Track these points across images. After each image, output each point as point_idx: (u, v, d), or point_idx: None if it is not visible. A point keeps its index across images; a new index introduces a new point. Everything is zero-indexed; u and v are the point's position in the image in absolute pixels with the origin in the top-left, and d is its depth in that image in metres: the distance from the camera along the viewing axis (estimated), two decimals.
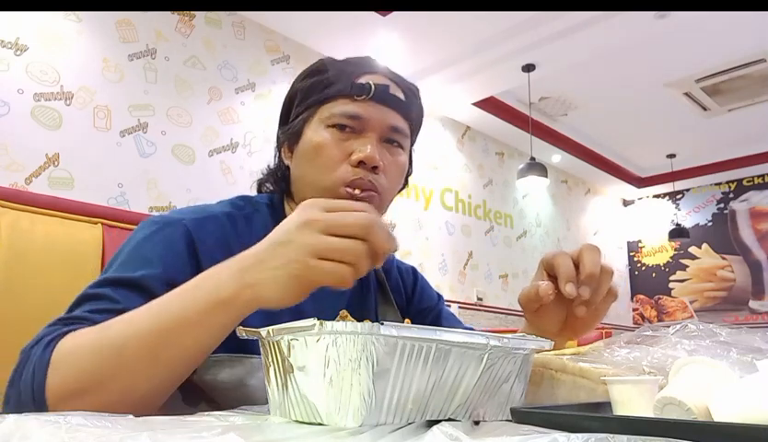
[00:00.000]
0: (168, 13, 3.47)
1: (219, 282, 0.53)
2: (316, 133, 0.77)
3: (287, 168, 0.83)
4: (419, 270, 1.03)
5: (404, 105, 0.79)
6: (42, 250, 0.88)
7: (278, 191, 0.85)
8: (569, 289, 0.67)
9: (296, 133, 0.80)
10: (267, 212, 0.81)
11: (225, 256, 0.64)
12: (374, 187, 0.75)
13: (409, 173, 0.86)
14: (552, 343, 0.55)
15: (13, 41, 2.83)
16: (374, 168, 0.75)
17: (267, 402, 0.52)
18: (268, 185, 0.87)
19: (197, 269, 0.65)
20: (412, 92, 0.82)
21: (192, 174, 3.43)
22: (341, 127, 0.76)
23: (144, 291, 0.62)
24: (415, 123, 0.84)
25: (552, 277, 0.71)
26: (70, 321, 0.59)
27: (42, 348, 0.55)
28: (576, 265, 0.69)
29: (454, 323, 0.96)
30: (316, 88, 0.79)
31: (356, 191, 0.74)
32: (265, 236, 0.67)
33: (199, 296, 0.54)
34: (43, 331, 0.58)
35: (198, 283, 0.55)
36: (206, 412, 0.53)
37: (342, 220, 0.50)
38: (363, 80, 0.77)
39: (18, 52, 2.84)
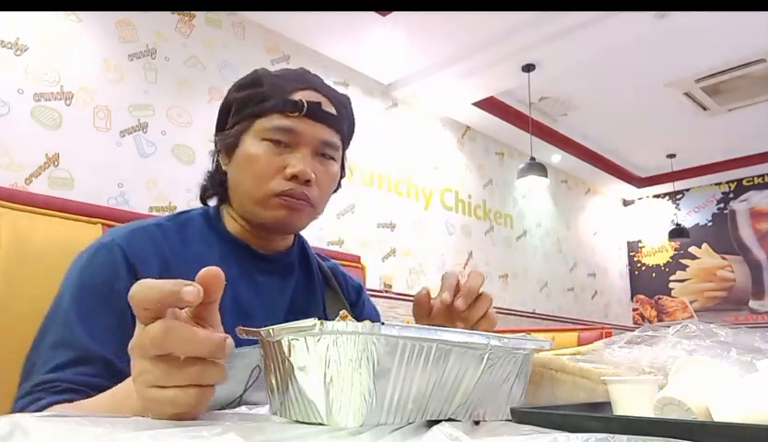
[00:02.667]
0: (168, 13, 3.47)
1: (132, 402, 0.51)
2: (252, 145, 0.81)
3: (225, 173, 0.86)
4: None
5: (336, 120, 0.84)
6: (42, 249, 0.88)
7: (218, 196, 0.89)
8: (445, 296, 0.73)
9: (232, 143, 0.84)
10: (201, 220, 0.85)
11: (160, 263, 0.75)
12: (306, 198, 0.80)
13: (341, 177, 0.91)
14: (553, 342, 0.55)
15: (13, 41, 2.83)
16: (306, 182, 0.79)
17: (267, 402, 0.52)
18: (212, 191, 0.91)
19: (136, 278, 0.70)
20: (343, 105, 0.87)
21: (192, 174, 3.42)
22: (275, 141, 0.80)
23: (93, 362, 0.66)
24: (347, 135, 0.89)
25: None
26: (41, 389, 0.63)
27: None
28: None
29: None
30: (251, 101, 0.82)
31: (290, 200, 0.79)
32: (200, 243, 0.81)
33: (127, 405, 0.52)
34: (19, 402, 0.63)
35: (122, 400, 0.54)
36: (206, 412, 0.53)
37: (140, 343, 0.46)
38: (296, 96, 0.81)
39: (18, 52, 2.84)
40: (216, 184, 0.88)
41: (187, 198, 3.38)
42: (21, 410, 0.62)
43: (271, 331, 0.47)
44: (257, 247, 0.85)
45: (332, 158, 0.85)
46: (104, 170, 3.08)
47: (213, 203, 0.91)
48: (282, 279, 0.87)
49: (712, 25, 4.09)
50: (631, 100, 5.30)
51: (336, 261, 1.02)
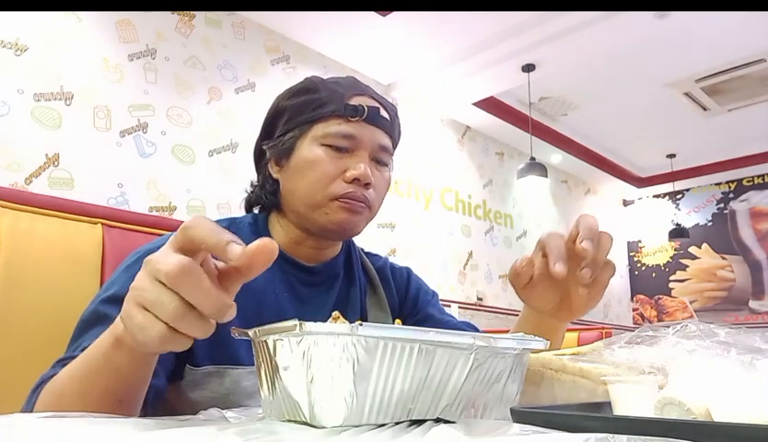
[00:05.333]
0: (168, 13, 3.47)
1: (116, 321, 0.50)
2: (310, 150, 0.81)
3: (276, 181, 0.86)
4: (416, 270, 1.05)
5: (390, 126, 0.85)
6: (42, 250, 0.88)
7: (267, 205, 0.88)
8: (558, 268, 0.66)
9: (286, 150, 0.83)
10: (249, 230, 0.85)
11: None
12: (366, 201, 0.81)
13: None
14: (548, 342, 0.55)
15: (13, 41, 2.83)
16: (366, 185, 0.80)
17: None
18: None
19: None
20: (393, 112, 0.88)
21: (192, 174, 3.43)
22: (334, 146, 0.80)
23: None
24: (396, 141, 0.90)
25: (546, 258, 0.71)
26: (64, 363, 0.62)
27: (31, 393, 0.60)
28: (573, 240, 0.68)
29: (447, 323, 0.97)
30: (308, 107, 0.82)
31: (351, 202, 0.79)
32: None
33: (104, 338, 0.52)
34: (42, 375, 0.62)
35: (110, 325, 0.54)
36: (205, 411, 0.53)
37: (156, 261, 0.42)
38: (354, 102, 0.81)
39: (18, 52, 2.84)
40: (268, 193, 0.87)
41: (187, 198, 3.38)
42: (41, 379, 0.61)
43: (258, 331, 0.48)
44: (304, 258, 0.85)
45: (386, 164, 0.86)
46: (104, 170, 3.08)
47: (256, 210, 0.91)
48: (326, 290, 0.87)
49: (712, 25, 4.08)
50: (631, 100, 5.30)
51: (387, 258, 1.02)
